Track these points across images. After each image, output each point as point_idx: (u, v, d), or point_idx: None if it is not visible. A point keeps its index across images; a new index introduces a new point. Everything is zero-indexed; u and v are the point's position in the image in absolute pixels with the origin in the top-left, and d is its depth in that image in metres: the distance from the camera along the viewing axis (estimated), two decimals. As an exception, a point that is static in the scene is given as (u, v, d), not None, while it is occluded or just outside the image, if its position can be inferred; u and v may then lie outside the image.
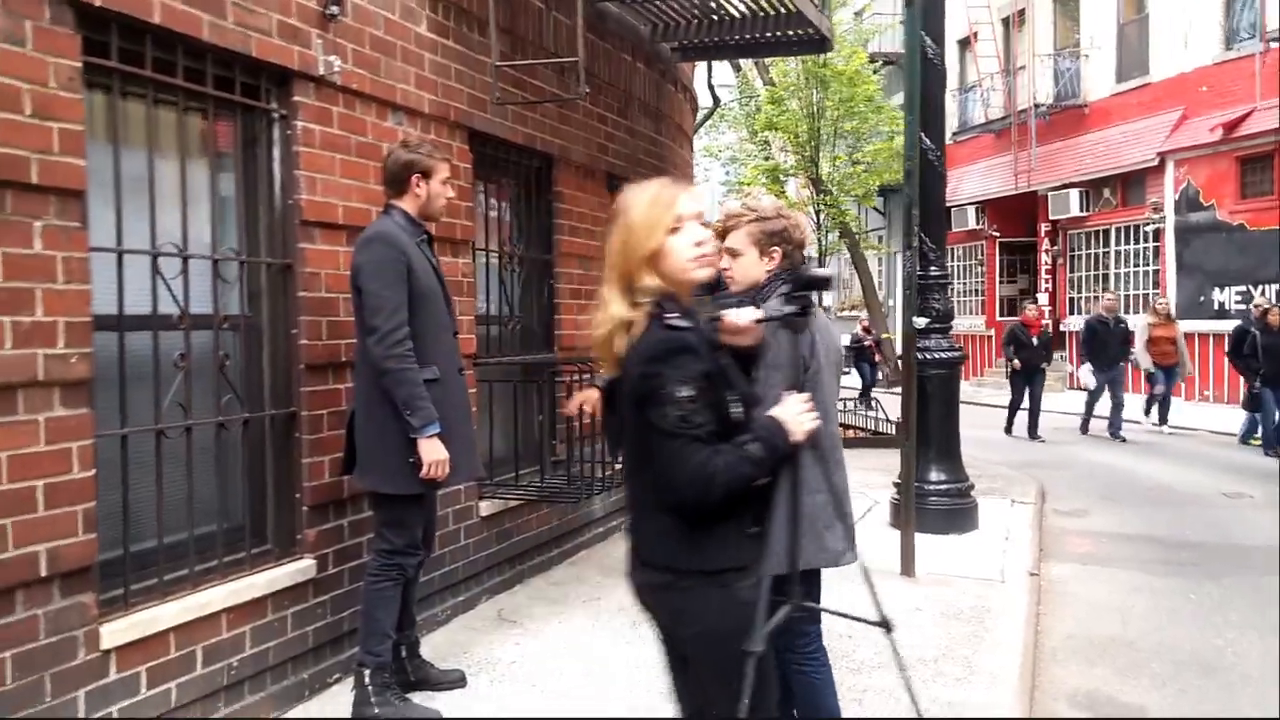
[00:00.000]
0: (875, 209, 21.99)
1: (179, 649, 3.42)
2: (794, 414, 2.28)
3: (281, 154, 3.91)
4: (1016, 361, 12.75)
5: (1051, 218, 20.08)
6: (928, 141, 6.54)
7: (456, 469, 3.79)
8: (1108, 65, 19.31)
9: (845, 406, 14.47)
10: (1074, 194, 19.23)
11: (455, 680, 4.16)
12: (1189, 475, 10.14)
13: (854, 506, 8.51)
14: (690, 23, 7.00)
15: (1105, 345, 12.71)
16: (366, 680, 3.76)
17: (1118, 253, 19.15)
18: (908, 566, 5.99)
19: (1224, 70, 16.70)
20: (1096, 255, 19.74)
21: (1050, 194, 19.78)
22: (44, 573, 2.93)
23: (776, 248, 3.08)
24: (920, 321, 6.33)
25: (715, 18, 6.93)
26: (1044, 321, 13.97)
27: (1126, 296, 18.62)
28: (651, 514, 2.25)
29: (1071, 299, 20.40)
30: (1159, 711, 4.29)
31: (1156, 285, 18.00)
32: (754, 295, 3.03)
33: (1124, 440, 12.35)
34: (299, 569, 3.97)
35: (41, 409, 2.92)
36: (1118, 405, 12.59)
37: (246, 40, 3.64)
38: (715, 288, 3.04)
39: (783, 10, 6.71)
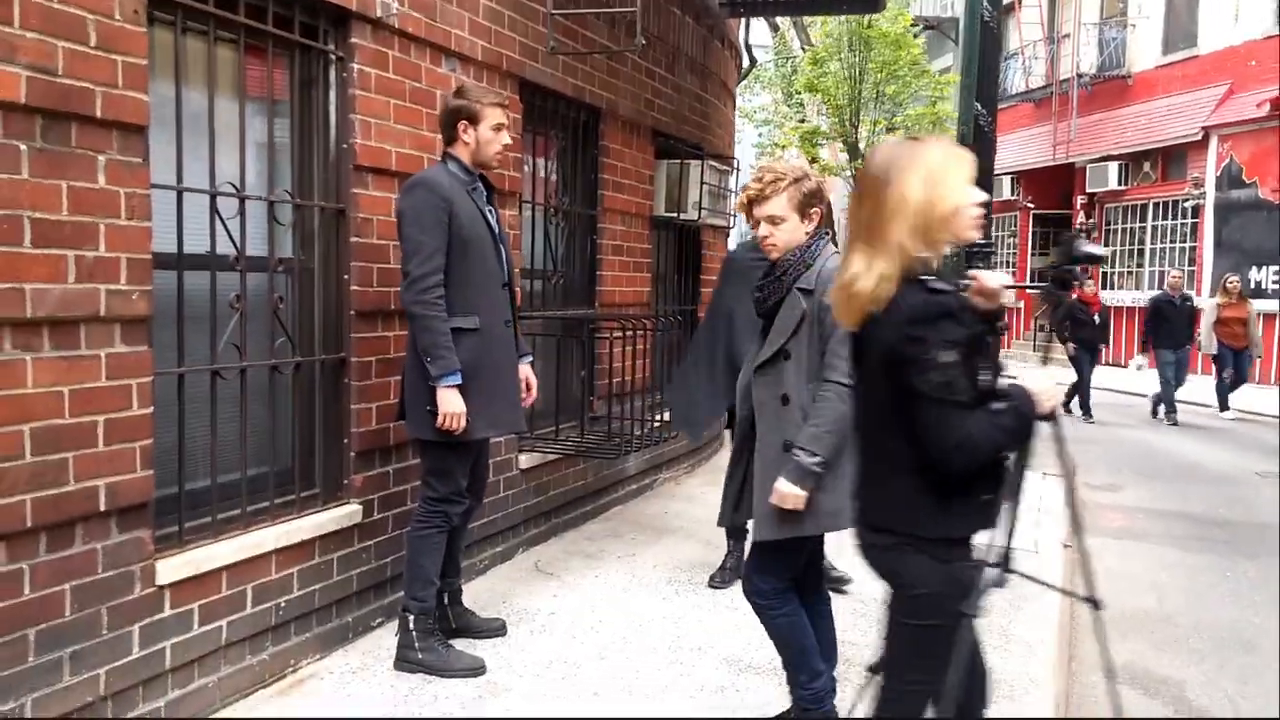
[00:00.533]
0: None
1: (230, 588, 3.44)
2: (1044, 386, 2.28)
3: (337, 97, 3.87)
4: (1071, 345, 12.02)
5: (1088, 190, 19.80)
6: (979, 108, 6.41)
7: (497, 422, 3.80)
8: (1154, 36, 18.92)
9: None
10: (1113, 167, 18.93)
11: (497, 629, 4.18)
12: (1222, 454, 10.04)
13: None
14: (741, -23, 6.86)
15: (1171, 325, 12.05)
16: (411, 625, 3.79)
17: (1154, 228, 18.87)
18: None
19: (1274, 45, 16.32)
20: (1132, 230, 19.47)
21: (1089, 166, 19.48)
22: (103, 507, 2.94)
23: (816, 209, 3.11)
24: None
25: None
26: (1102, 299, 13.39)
27: (1159, 272, 18.36)
28: (893, 477, 2.24)
29: (1105, 274, 20.15)
30: (1199, 685, 4.26)
31: (1193, 262, 17.75)
32: (802, 256, 3.08)
33: (1175, 423, 11.84)
34: (345, 514, 3.98)
35: (103, 344, 2.91)
36: (1167, 384, 12.06)
37: (307, -21, 3.58)
38: (772, 266, 3.13)
39: None
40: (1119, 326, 17.38)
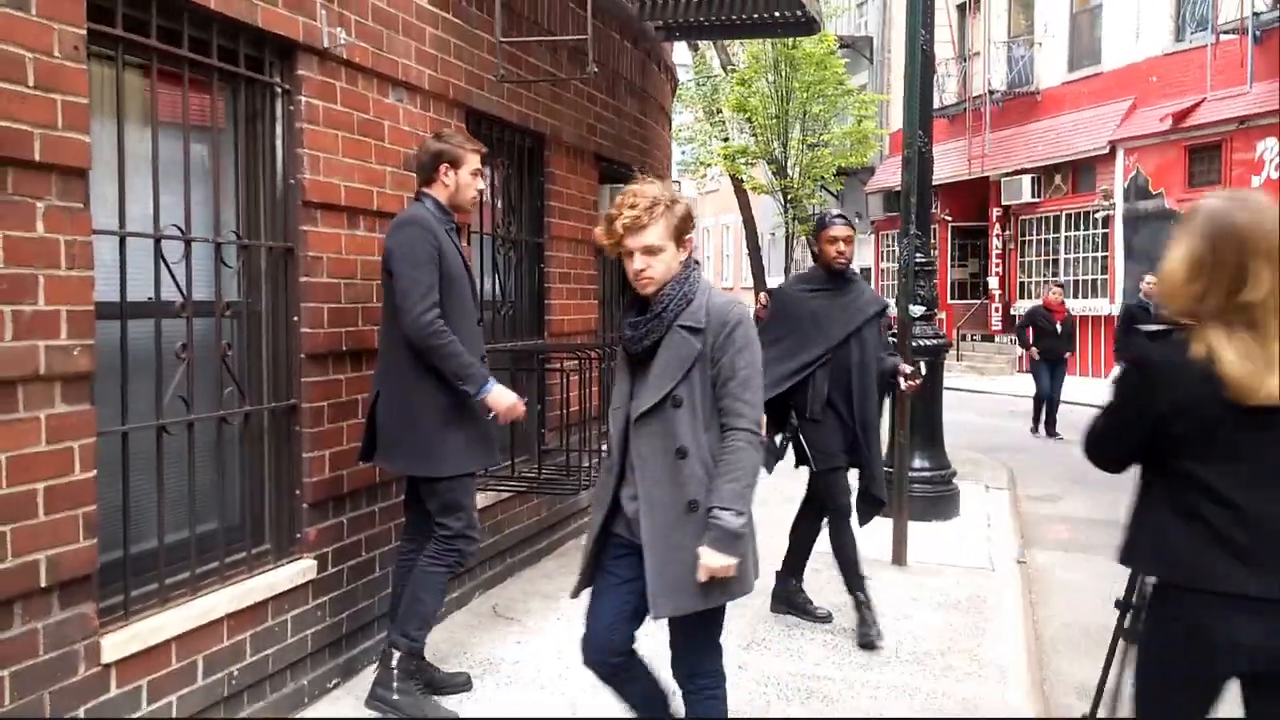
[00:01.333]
0: (829, 190, 22.01)
1: (180, 659, 3.20)
2: None
3: (284, 131, 3.69)
4: (1035, 350, 11.61)
5: (1003, 203, 20.30)
6: (922, 135, 6.44)
7: (473, 456, 3.73)
8: (1060, 54, 19.51)
9: None
10: (1026, 180, 19.44)
11: (462, 684, 3.99)
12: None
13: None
14: (677, 2, 6.82)
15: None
16: (394, 662, 3.64)
17: (1067, 238, 19.41)
18: (899, 555, 5.94)
19: (1174, 61, 16.95)
20: (1047, 240, 20.00)
21: (1003, 179, 19.97)
22: (44, 583, 2.70)
23: (689, 235, 2.76)
24: (916, 310, 6.27)
25: None
26: (1068, 307, 12.78)
27: (1075, 282, 18.89)
28: None
29: (1022, 283, 20.66)
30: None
31: (1105, 270, 18.28)
32: (682, 289, 2.70)
33: None
34: (299, 570, 3.77)
35: (42, 405, 2.68)
36: None
37: (252, 9, 3.40)
38: (642, 302, 2.74)
39: None
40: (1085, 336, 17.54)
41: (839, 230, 4.69)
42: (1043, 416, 11.76)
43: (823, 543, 4.91)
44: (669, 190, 2.74)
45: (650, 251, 2.67)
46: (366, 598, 4.16)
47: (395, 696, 3.62)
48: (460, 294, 3.64)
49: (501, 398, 3.64)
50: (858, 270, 5.16)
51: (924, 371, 4.48)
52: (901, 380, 4.83)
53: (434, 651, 4.24)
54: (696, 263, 2.81)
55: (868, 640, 4.57)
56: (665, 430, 2.68)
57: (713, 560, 2.62)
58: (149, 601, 3.17)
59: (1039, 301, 12.08)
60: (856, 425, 4.61)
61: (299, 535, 3.82)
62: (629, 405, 2.76)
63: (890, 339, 5.18)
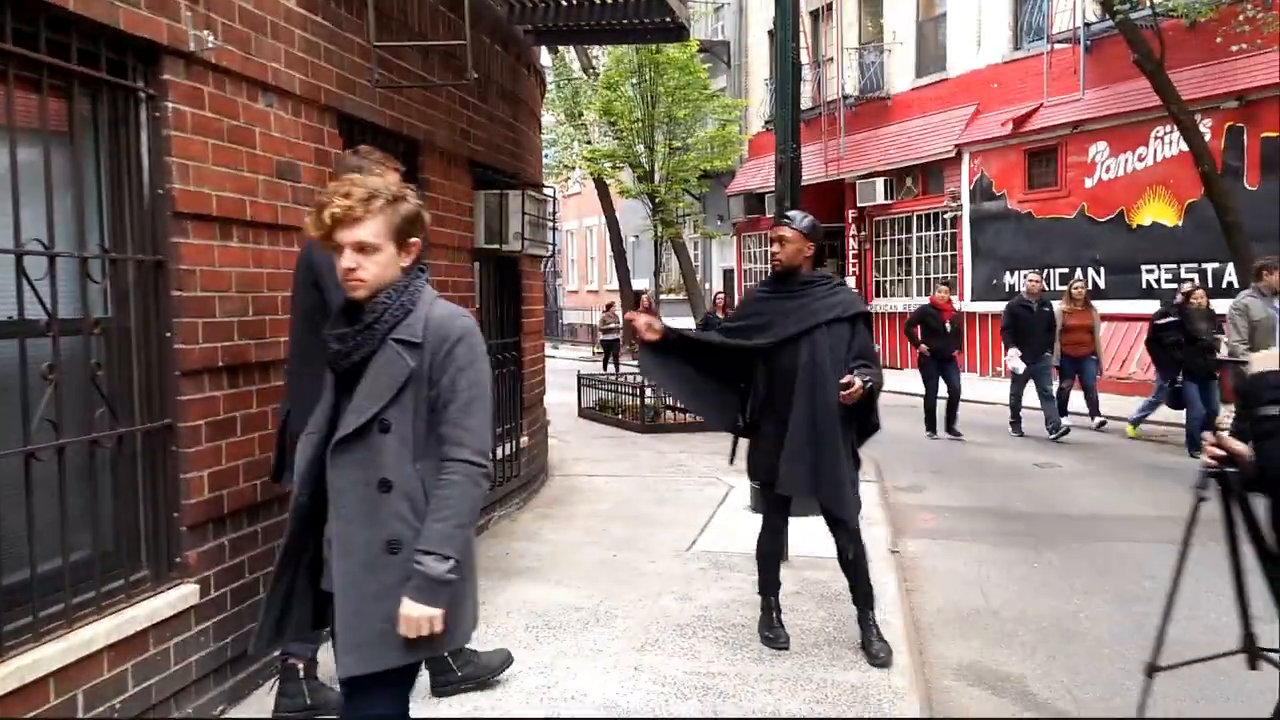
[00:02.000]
0: (690, 193, 22.35)
1: (59, 695, 3.03)
2: None
3: (150, 138, 3.53)
4: (925, 347, 11.37)
5: (858, 205, 21.00)
6: (793, 145, 6.64)
7: None
8: (909, 60, 20.32)
9: None
10: (879, 182, 20.17)
11: None
12: (1004, 450, 10.83)
13: (708, 493, 8.59)
14: (547, 5, 6.83)
15: (1030, 333, 11.27)
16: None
17: (919, 239, 20.24)
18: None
19: (1013, 68, 17.89)
20: (900, 241, 20.80)
21: (857, 182, 20.66)
22: (-94, 624, 2.53)
23: (415, 238, 2.43)
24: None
25: (573, 1, 6.80)
26: (956, 306, 12.38)
27: (926, 279, 19.70)
28: None
29: (878, 282, 21.42)
30: (1038, 679, 4.52)
31: (954, 269, 19.13)
32: (399, 298, 2.38)
33: (1064, 438, 11.00)
34: (180, 596, 3.62)
35: None
36: (1046, 398, 11.22)
37: (114, 11, 3.24)
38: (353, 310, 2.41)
39: None
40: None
41: (774, 230, 4.60)
42: (938, 416, 11.51)
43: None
44: (398, 187, 2.44)
45: (363, 249, 2.34)
46: (251, 621, 4.01)
47: (460, 673, 3.99)
48: None
49: None
50: (838, 276, 5.05)
51: (855, 381, 4.17)
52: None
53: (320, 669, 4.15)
54: (423, 270, 2.48)
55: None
56: (368, 460, 2.33)
57: (412, 611, 2.28)
58: (24, 636, 2.99)
59: (926, 300, 11.90)
60: (793, 432, 4.32)
61: (178, 559, 3.68)
62: (326, 429, 2.43)
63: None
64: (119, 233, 3.48)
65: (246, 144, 4.00)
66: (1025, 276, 12.26)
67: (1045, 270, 16.61)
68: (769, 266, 4.71)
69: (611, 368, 20.54)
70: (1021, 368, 11.26)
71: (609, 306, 22.58)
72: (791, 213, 4.66)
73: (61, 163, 3.24)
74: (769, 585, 4.76)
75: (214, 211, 3.79)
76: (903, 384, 14.44)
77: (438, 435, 2.34)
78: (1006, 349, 11.53)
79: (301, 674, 3.77)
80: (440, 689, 4.01)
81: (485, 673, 4.09)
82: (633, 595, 5.37)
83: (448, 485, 2.31)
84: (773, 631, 4.67)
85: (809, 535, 6.49)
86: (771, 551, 4.75)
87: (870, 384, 4.29)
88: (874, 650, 4.43)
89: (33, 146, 3.10)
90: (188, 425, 3.68)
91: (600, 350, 29.96)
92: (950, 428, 11.47)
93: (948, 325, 11.48)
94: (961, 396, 11.66)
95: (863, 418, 4.48)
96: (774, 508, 4.69)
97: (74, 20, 3.12)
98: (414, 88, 5.40)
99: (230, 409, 3.91)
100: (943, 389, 11.52)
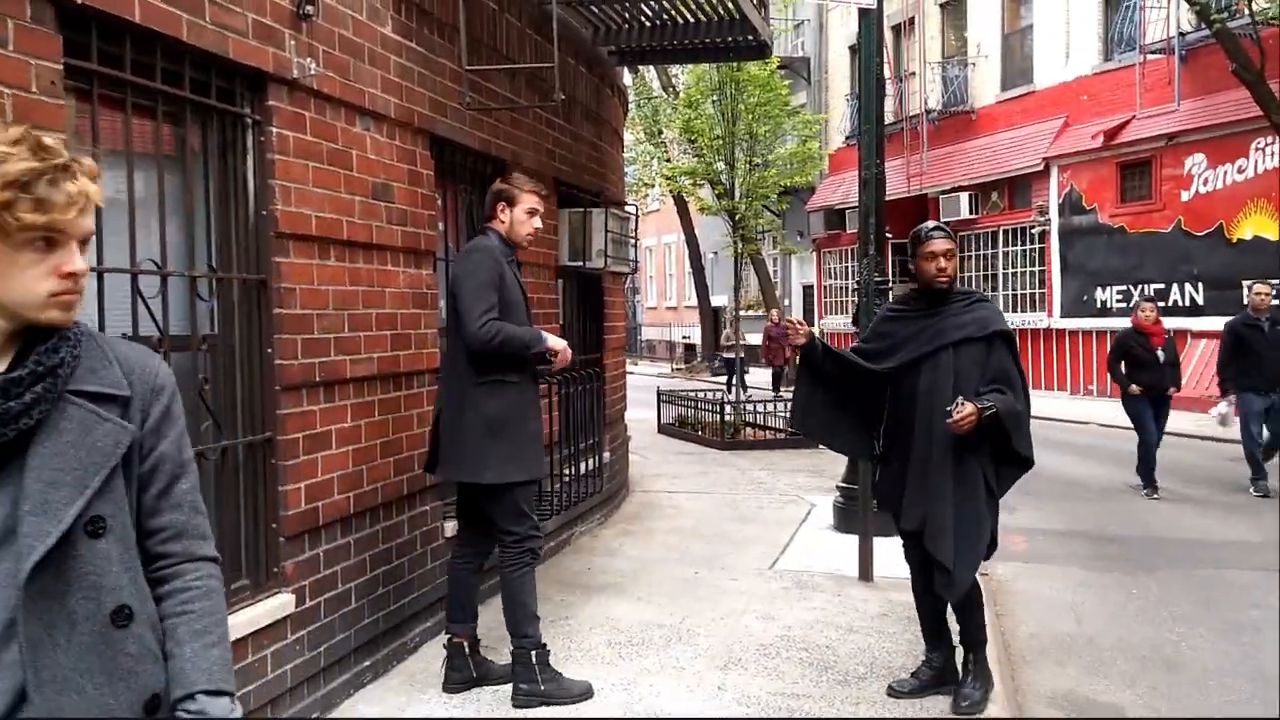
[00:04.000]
0: (770, 209, 22.31)
1: (165, 700, 3.15)
2: None
3: (256, 162, 3.68)
4: (1135, 388, 9.01)
5: (942, 219, 20.72)
6: (877, 160, 6.61)
7: (533, 467, 4.12)
8: (993, 74, 20.04)
9: (761, 407, 13.77)
10: (963, 197, 19.89)
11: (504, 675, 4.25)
12: (1097, 469, 10.55)
13: (789, 511, 8.52)
14: (631, 27, 6.92)
15: (1257, 358, 8.82)
16: (533, 659, 4.07)
17: (1006, 254, 19.89)
18: (866, 571, 6.04)
19: (1104, 80, 17.52)
20: (986, 256, 20.46)
21: (941, 197, 20.41)
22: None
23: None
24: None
25: (656, 22, 6.88)
26: (1167, 330, 9.64)
27: (1013, 295, 19.34)
28: None
29: (962, 299, 21.07)
30: (1138, 710, 4.40)
31: (1043, 285, 18.75)
32: (78, 338, 1.50)
33: (1266, 494, 8.81)
34: (278, 604, 3.74)
35: None
36: (1268, 444, 8.93)
37: (224, 41, 3.39)
38: None
39: (726, 16, 6.69)
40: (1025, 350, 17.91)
41: (939, 244, 4.05)
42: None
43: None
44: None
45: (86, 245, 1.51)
46: (343, 630, 4.14)
47: (543, 687, 4.07)
48: (519, 320, 4.03)
49: (556, 340, 4.08)
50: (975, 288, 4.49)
51: (965, 407, 3.79)
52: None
53: (410, 679, 4.24)
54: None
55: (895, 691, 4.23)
56: (81, 582, 1.45)
57: None
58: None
59: (1128, 324, 9.48)
60: (911, 467, 4.00)
61: (276, 569, 3.79)
62: None
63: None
64: (225, 252, 3.63)
65: (344, 166, 4.14)
66: (1250, 288, 9.47)
67: (1140, 286, 16.20)
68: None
69: (733, 391, 18.50)
70: (1230, 417, 9.06)
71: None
72: (929, 224, 4.24)
73: (173, 186, 3.39)
74: (924, 632, 4.35)
75: (313, 231, 3.93)
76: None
77: (159, 528, 1.57)
78: (1224, 384, 9.11)
79: (466, 650, 4.23)
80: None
81: (565, 697, 4.10)
82: (714, 613, 5.36)
83: (206, 594, 1.59)
84: (900, 683, 4.27)
85: (893, 557, 6.43)
86: (919, 592, 4.31)
87: (994, 410, 3.83)
88: (963, 694, 4.10)
89: (147, 170, 3.26)
90: (286, 438, 3.81)
91: (681, 366, 29.89)
92: (1147, 482, 9.16)
93: (1159, 353, 9.05)
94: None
95: (1001, 450, 3.98)
96: (905, 543, 4.27)
97: (187, 50, 3.27)
98: (503, 109, 5.52)
99: (326, 423, 4.03)
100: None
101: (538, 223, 4.20)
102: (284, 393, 3.79)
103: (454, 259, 4.03)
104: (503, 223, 4.12)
